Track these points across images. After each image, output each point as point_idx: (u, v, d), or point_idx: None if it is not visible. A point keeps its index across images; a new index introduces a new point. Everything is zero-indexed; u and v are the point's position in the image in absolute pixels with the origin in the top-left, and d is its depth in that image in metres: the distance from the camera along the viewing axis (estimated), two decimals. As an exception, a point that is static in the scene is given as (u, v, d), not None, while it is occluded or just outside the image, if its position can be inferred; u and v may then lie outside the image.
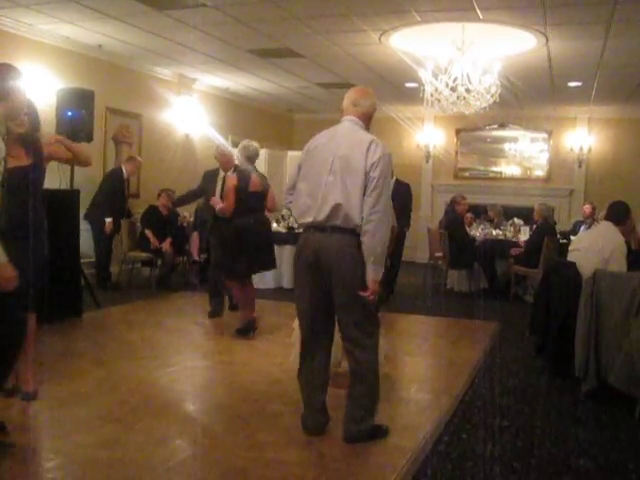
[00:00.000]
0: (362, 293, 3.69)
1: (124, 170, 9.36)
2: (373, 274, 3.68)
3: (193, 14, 7.56)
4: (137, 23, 8.12)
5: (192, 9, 7.37)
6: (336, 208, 3.68)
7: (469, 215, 10.98)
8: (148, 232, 9.49)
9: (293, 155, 12.68)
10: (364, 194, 3.65)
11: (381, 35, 8.21)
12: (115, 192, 9.14)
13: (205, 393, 4.94)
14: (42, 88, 8.02)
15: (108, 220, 8.89)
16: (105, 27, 8.34)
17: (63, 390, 4.66)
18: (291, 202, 3.98)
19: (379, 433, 3.96)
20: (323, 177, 3.75)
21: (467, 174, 14.42)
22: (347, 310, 3.80)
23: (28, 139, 4.03)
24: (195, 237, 9.75)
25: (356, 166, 3.68)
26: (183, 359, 5.77)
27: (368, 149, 3.69)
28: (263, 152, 12.57)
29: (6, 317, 3.57)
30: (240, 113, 13.43)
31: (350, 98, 3.93)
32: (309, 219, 3.80)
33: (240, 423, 4.21)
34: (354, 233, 3.70)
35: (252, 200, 6.48)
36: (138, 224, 9.84)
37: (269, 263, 6.79)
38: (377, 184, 3.64)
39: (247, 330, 6.63)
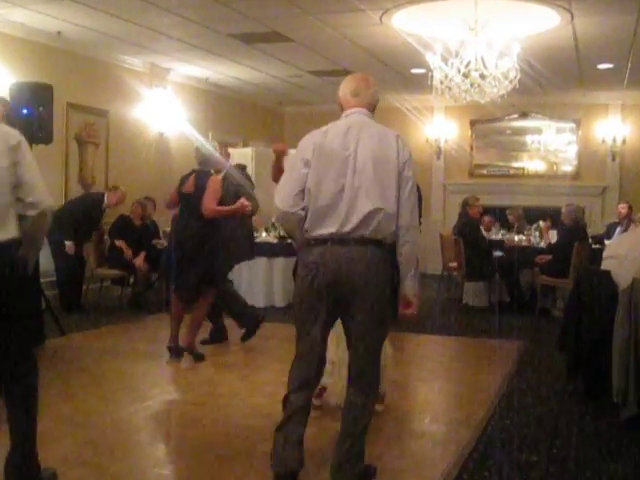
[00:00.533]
0: (406, 310, 3.76)
1: (106, 199, 9.34)
2: (414, 288, 3.75)
3: (165, -6, 7.60)
4: (101, 6, 8.13)
5: (164, -11, 7.41)
6: (371, 215, 3.59)
7: (487, 218, 10.98)
8: (120, 242, 9.49)
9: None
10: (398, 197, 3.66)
11: (382, 15, 8.23)
12: (87, 222, 9.11)
13: (186, 431, 4.91)
14: (-7, 83, 8.03)
15: (68, 243, 8.85)
16: (64, 11, 8.35)
17: (22, 430, 4.63)
18: (303, 209, 3.70)
19: (369, 474, 3.89)
20: (345, 180, 3.64)
21: (484, 171, 14.45)
22: (366, 341, 3.72)
23: None
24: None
25: (389, 165, 3.65)
26: (160, 392, 5.75)
27: (397, 145, 3.69)
28: (249, 150, 12.66)
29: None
30: (222, 107, 13.47)
31: (349, 88, 3.86)
32: (328, 230, 3.64)
33: (227, 465, 4.19)
34: (381, 245, 3.65)
35: (185, 202, 6.82)
36: (106, 236, 9.84)
37: (181, 281, 6.81)
38: (412, 186, 3.68)
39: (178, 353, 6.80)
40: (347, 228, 3.60)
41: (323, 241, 3.66)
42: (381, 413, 5.00)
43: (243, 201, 6.77)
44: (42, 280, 7.54)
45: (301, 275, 3.74)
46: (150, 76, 11.47)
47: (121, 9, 8.24)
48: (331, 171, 3.66)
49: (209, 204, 6.61)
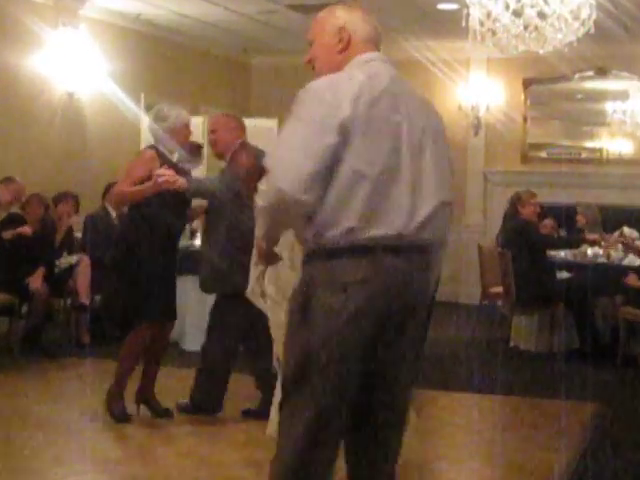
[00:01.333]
0: None
1: None
2: None
3: None
4: None
5: None
6: (439, 211, 3.50)
7: (548, 222, 10.98)
8: (10, 233, 9.38)
9: (252, 124, 12.65)
10: None
11: None
12: None
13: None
14: None
15: None
16: None
17: None
18: (320, 199, 3.34)
19: None
20: (400, 158, 3.45)
21: (543, 154, 14.45)
22: (401, 404, 3.66)
23: None
24: (84, 265, 9.71)
25: (443, 140, 3.69)
26: (65, 473, 5.72)
27: (437, 112, 3.76)
28: (200, 120, 12.64)
29: None
30: (160, 56, 13.48)
31: (368, 27, 3.73)
32: (387, 230, 3.38)
33: None
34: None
35: None
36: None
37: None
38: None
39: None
40: (411, 228, 3.40)
41: (378, 248, 3.37)
42: None
43: (159, 171, 6.44)
44: None
45: (334, 306, 3.35)
46: (55, 10, 11.42)
47: None
48: (383, 143, 3.44)
49: (117, 186, 6.65)
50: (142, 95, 12.21)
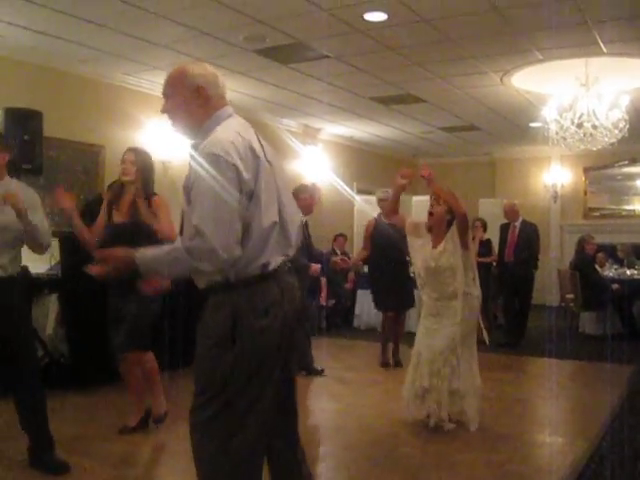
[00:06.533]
0: None
1: None
2: None
3: (317, 66, 7.80)
4: (267, 78, 8.42)
5: (316, 61, 7.61)
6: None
7: (600, 255, 10.57)
8: None
9: (418, 200, 12.61)
10: None
11: (503, 76, 8.15)
12: None
13: None
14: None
15: None
16: (232, 83, 8.59)
17: None
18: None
19: None
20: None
21: (597, 214, 13.85)
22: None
23: None
24: None
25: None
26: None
27: None
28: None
29: None
30: (364, 160, 13.51)
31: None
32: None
33: None
34: None
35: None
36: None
37: None
38: None
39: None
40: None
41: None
42: (509, 425, 4.88)
43: None
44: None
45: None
46: (303, 135, 11.67)
47: (280, 79, 8.51)
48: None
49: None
50: (355, 183, 12.37)
